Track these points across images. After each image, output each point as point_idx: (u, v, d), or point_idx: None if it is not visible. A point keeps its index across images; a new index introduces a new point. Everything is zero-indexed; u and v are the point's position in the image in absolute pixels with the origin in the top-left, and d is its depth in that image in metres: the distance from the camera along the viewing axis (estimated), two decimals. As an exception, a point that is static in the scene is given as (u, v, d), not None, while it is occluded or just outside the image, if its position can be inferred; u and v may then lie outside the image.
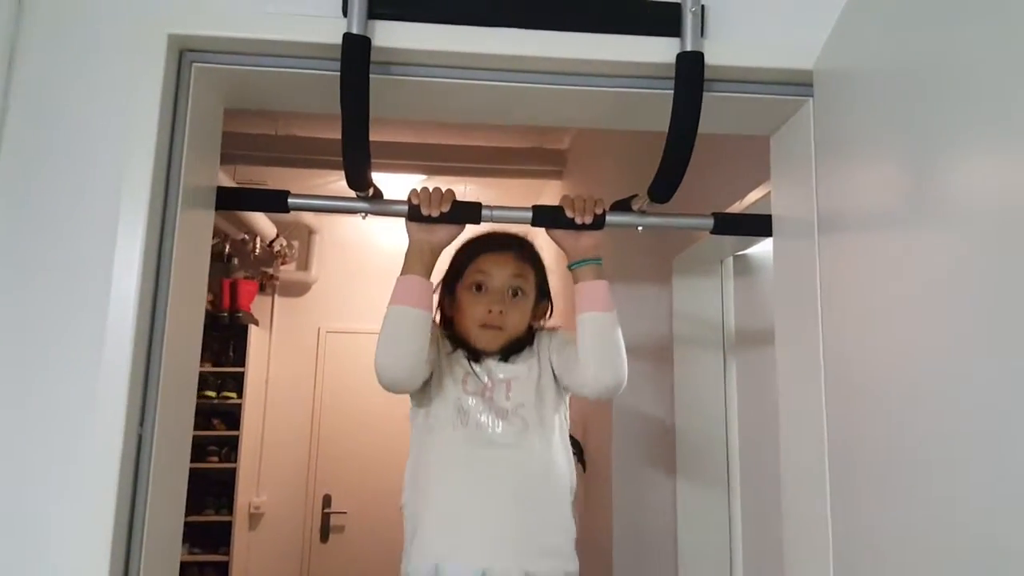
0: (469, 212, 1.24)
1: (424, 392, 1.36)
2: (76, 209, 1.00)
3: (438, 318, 1.42)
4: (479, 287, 1.37)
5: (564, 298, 1.46)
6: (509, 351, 1.38)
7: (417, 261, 1.26)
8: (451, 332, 1.41)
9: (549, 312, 1.47)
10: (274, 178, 3.99)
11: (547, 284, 1.47)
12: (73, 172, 1.01)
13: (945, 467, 0.74)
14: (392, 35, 1.03)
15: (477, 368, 1.36)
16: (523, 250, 1.43)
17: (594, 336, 1.28)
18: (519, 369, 1.37)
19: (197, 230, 1.12)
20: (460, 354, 1.38)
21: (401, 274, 1.27)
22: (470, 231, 1.37)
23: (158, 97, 1.00)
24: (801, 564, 1.10)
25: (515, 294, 1.38)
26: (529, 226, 1.34)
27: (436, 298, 1.41)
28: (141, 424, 0.99)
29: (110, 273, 0.97)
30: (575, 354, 1.30)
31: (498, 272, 1.37)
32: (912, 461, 0.80)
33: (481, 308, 1.35)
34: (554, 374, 1.38)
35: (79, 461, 0.95)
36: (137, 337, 0.97)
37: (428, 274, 1.28)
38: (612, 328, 1.28)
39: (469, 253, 1.41)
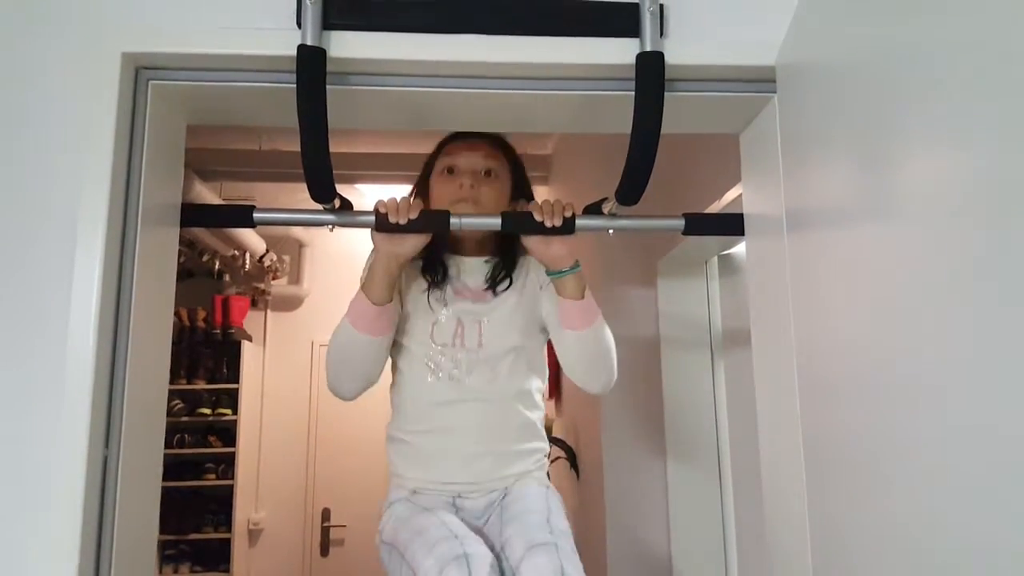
0: (437, 220, 1.23)
1: (396, 338, 1.35)
2: (32, 231, 0.99)
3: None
4: (450, 170, 1.34)
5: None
6: (493, 273, 1.35)
7: (383, 275, 1.24)
8: (427, 255, 1.35)
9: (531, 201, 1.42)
10: (260, 193, 3.99)
11: (526, 180, 1.43)
12: (29, 193, 1.00)
13: (911, 455, 0.74)
14: (348, 45, 1.03)
15: (443, 311, 1.34)
16: (494, 139, 1.40)
17: (579, 352, 1.30)
18: (496, 310, 1.34)
19: (160, 248, 1.11)
20: (430, 296, 1.34)
21: (363, 290, 1.26)
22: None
23: (114, 116, 0.99)
24: (782, 552, 1.09)
25: (488, 174, 1.35)
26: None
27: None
28: (106, 446, 0.98)
29: (69, 295, 0.96)
30: (562, 345, 1.32)
31: (468, 153, 1.34)
32: (880, 451, 0.80)
33: (452, 186, 1.32)
34: (541, 314, 1.36)
35: (43, 485, 0.94)
36: (98, 358, 0.96)
37: (390, 294, 1.26)
38: (595, 343, 1.28)
39: (439, 146, 1.40)
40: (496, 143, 1.40)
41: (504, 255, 1.38)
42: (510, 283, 1.36)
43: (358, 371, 1.27)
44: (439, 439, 1.32)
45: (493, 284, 1.35)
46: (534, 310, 1.36)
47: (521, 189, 1.42)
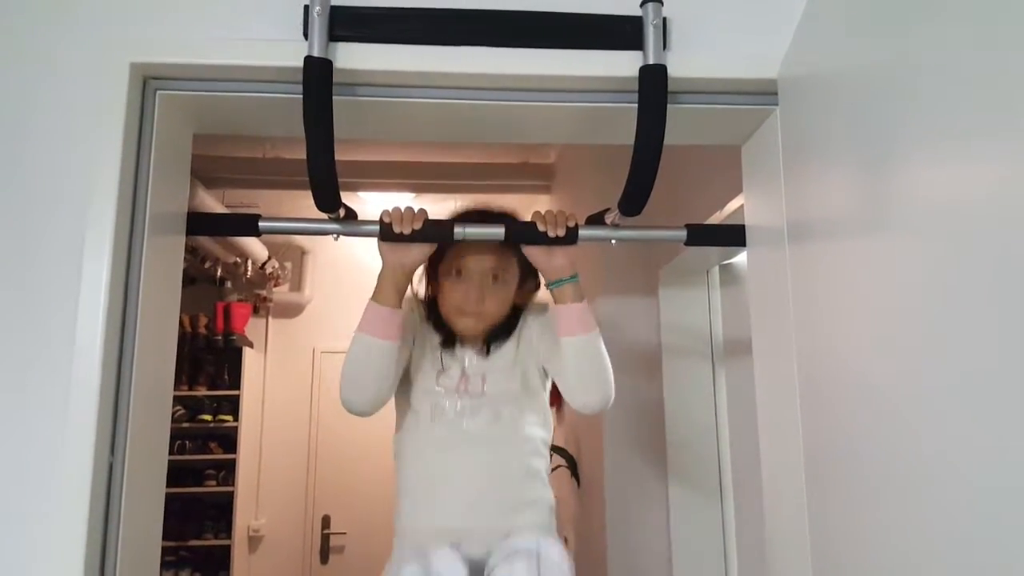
0: (441, 230, 1.24)
1: (400, 383, 1.35)
2: (41, 238, 1.00)
3: (421, 292, 1.42)
4: (458, 272, 1.35)
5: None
6: (490, 339, 1.37)
7: (390, 284, 1.25)
8: (434, 316, 1.39)
9: (536, 290, 1.44)
10: (264, 200, 4.00)
11: (532, 267, 1.41)
12: (37, 201, 1.01)
13: (912, 467, 0.74)
14: (354, 57, 1.04)
15: (451, 361, 1.36)
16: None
17: (576, 360, 1.28)
18: (496, 362, 1.36)
19: (166, 256, 1.12)
20: (437, 344, 1.37)
21: (372, 298, 1.26)
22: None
23: (122, 125, 1.01)
24: (783, 562, 1.09)
25: (495, 279, 1.36)
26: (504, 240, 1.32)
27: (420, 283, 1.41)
28: (112, 452, 0.99)
29: (76, 302, 0.97)
30: (560, 360, 1.30)
31: (476, 260, 1.35)
32: (880, 462, 0.80)
33: (459, 295, 1.34)
34: (540, 358, 1.37)
35: (49, 491, 0.95)
36: (105, 366, 0.97)
37: (399, 300, 1.27)
38: (593, 350, 1.28)
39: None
40: (506, 242, 1.40)
41: (500, 329, 1.39)
42: (507, 338, 1.38)
43: (372, 379, 1.26)
44: (440, 484, 1.31)
45: (489, 345, 1.37)
46: (534, 357, 1.38)
47: (528, 273, 1.41)
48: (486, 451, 1.32)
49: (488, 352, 1.37)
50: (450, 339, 1.38)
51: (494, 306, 1.35)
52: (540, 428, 1.39)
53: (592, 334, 1.28)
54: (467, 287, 1.33)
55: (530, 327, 1.39)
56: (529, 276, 1.42)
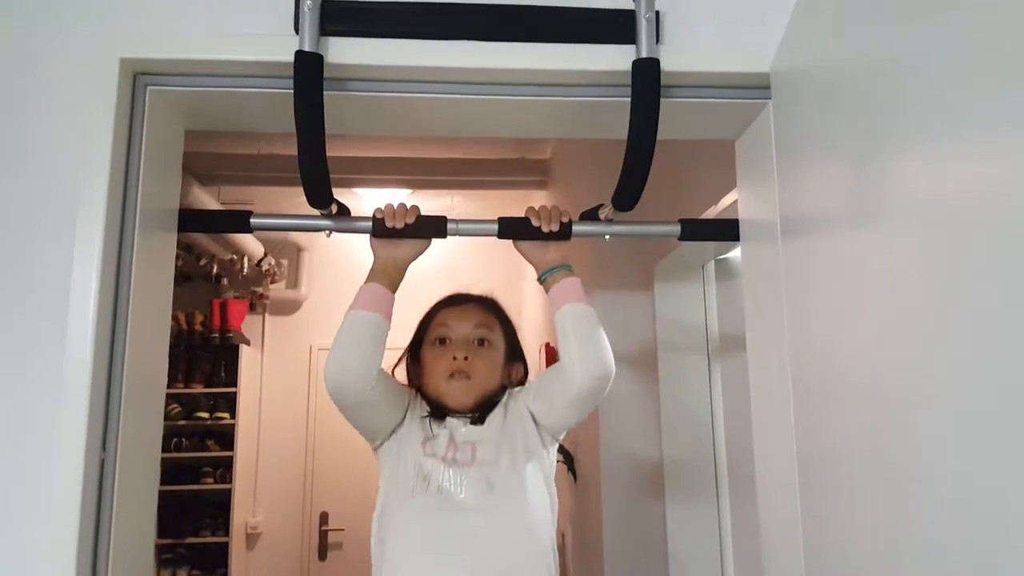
0: (434, 226, 1.24)
1: (386, 452, 1.31)
2: (30, 235, 0.99)
3: (405, 380, 1.39)
4: (443, 341, 1.33)
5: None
6: (481, 410, 1.31)
7: (381, 275, 1.25)
8: (423, 396, 1.35)
9: (523, 375, 1.40)
10: (260, 197, 3.99)
11: (518, 345, 1.41)
12: (27, 198, 1.00)
13: (905, 460, 0.74)
14: (345, 52, 1.03)
15: (439, 430, 1.29)
16: (486, 304, 1.39)
17: (574, 325, 1.23)
18: (486, 431, 1.29)
19: (158, 252, 1.11)
20: (426, 417, 1.31)
21: (365, 282, 1.25)
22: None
23: (112, 121, 1.00)
24: (776, 555, 1.10)
25: (481, 343, 1.33)
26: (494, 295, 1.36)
27: (403, 378, 1.38)
28: (103, 448, 0.99)
29: (67, 299, 0.97)
30: (555, 370, 1.26)
31: (460, 323, 1.34)
32: (873, 456, 0.80)
33: (446, 358, 1.31)
34: (535, 421, 1.30)
35: (40, 488, 0.94)
36: (96, 361, 0.96)
37: (392, 287, 1.25)
38: (591, 317, 1.24)
39: (431, 313, 1.39)
40: (488, 307, 1.39)
41: (490, 399, 1.34)
42: (495, 408, 1.33)
43: (356, 350, 1.22)
44: (426, 564, 1.22)
45: (479, 417, 1.31)
46: (524, 424, 1.31)
47: (515, 351, 1.40)
48: (476, 522, 1.22)
49: (477, 422, 1.30)
50: (439, 411, 1.31)
51: (482, 368, 1.31)
52: (540, 509, 1.27)
53: (587, 304, 1.25)
54: (453, 349, 1.31)
55: (517, 398, 1.34)
56: (515, 355, 1.39)
